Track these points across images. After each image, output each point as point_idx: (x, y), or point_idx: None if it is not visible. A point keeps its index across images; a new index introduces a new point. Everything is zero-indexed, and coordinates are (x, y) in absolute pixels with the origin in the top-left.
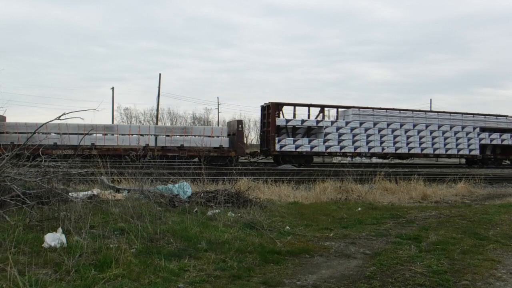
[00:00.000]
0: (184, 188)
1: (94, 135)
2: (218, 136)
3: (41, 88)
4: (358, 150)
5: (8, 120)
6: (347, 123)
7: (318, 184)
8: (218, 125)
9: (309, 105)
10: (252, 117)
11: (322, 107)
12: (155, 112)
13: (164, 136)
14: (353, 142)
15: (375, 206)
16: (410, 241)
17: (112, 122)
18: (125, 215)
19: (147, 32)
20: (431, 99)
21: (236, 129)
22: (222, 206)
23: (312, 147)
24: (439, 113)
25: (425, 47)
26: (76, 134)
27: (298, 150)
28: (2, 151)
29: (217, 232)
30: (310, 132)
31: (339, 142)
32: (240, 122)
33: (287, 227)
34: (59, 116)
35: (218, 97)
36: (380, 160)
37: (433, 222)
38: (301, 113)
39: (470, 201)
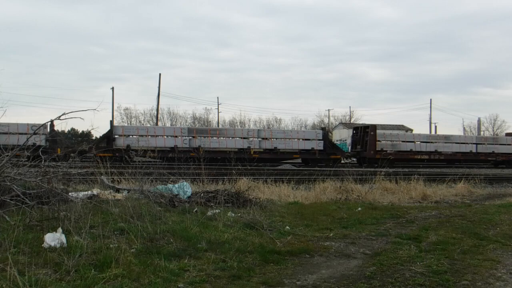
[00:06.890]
0: (184, 188)
1: (436, 143)
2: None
3: (41, 88)
4: None
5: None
6: None
7: (318, 184)
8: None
9: None
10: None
11: None
12: (155, 112)
13: (482, 144)
14: None
15: (375, 206)
16: (410, 241)
17: (112, 122)
18: (125, 215)
19: (145, 32)
20: (431, 99)
21: None
22: (222, 206)
23: None
24: None
25: (424, 47)
26: (426, 142)
27: None
28: None
29: (217, 232)
30: None
31: None
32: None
33: (287, 227)
34: (59, 116)
35: (218, 97)
36: None
37: (433, 222)
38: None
39: (470, 201)
